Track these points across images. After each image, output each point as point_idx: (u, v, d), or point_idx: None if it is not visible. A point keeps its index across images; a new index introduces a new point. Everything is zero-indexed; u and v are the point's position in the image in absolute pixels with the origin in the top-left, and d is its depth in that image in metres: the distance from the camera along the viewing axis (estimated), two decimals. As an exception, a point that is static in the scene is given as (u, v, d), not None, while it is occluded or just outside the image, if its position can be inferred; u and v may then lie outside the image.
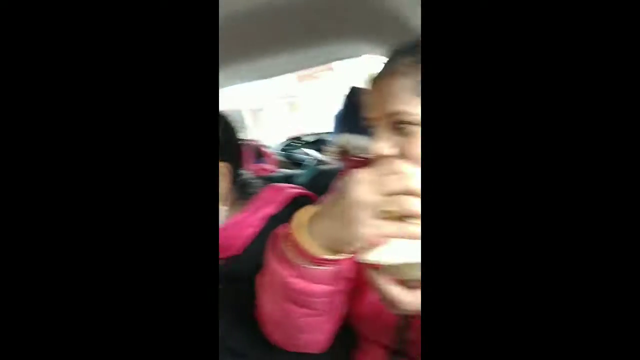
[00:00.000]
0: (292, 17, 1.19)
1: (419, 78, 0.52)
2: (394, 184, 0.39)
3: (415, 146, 0.51)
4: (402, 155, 0.52)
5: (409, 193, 0.39)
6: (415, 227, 0.39)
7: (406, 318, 0.55)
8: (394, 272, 0.40)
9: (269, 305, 0.52)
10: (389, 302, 0.41)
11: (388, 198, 0.39)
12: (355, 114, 1.12)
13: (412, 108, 0.51)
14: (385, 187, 0.40)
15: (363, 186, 0.40)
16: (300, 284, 0.46)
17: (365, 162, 0.68)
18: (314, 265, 0.45)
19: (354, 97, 1.15)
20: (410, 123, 0.51)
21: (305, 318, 0.50)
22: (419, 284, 0.42)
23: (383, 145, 0.52)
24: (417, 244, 0.45)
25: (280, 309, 0.49)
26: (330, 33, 1.48)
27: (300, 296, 0.47)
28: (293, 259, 0.44)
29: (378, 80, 0.55)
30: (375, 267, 0.42)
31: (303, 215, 0.46)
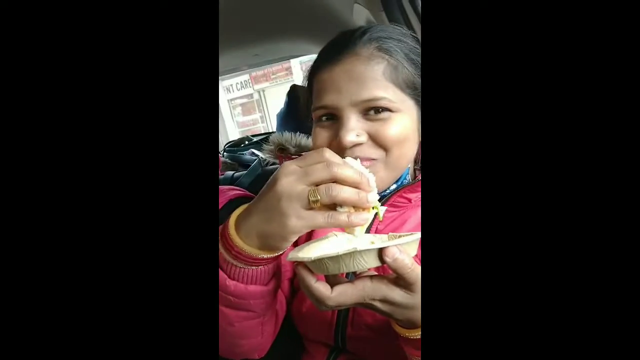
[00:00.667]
0: (236, 15, 1.16)
1: (389, 63, 0.50)
2: (320, 172, 0.38)
3: (388, 131, 0.50)
4: (373, 142, 0.51)
5: (335, 181, 0.38)
6: (344, 216, 0.39)
7: (343, 314, 0.55)
8: (317, 267, 0.39)
9: None
10: (314, 299, 0.40)
11: (315, 187, 0.38)
12: (297, 111, 1.12)
13: (389, 93, 0.50)
14: (311, 177, 0.38)
15: (289, 177, 0.39)
16: (236, 286, 0.44)
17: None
18: (249, 265, 0.43)
19: (296, 95, 1.15)
20: (388, 109, 0.50)
21: (243, 322, 0.48)
22: (341, 279, 0.42)
23: (352, 133, 0.50)
24: (338, 238, 0.44)
25: (220, 317, 0.47)
26: (275, 31, 1.48)
27: (236, 299, 0.45)
28: (230, 260, 0.42)
29: (335, 66, 0.51)
30: (301, 264, 0.40)
31: (236, 214, 0.44)
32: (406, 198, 0.55)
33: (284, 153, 0.80)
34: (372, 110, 0.50)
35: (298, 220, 0.38)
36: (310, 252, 0.42)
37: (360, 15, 1.11)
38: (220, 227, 0.44)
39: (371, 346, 0.53)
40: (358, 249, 0.37)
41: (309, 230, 0.40)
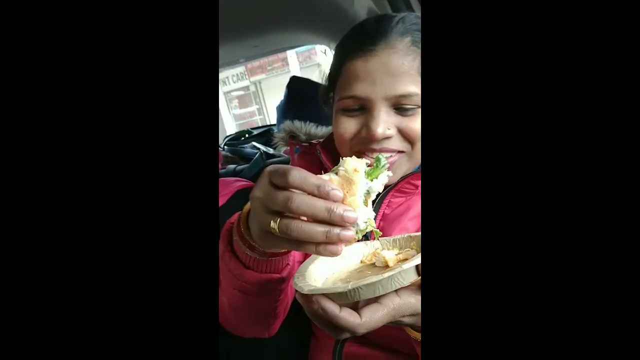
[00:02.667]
0: (235, 6, 1.15)
1: (419, 57, 0.50)
2: (277, 204, 0.34)
3: (417, 126, 0.51)
4: (401, 135, 0.52)
5: (289, 187, 0.34)
6: (312, 247, 0.34)
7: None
8: (343, 296, 0.34)
9: (222, 295, 0.50)
10: (337, 331, 0.36)
11: (274, 218, 0.35)
12: (297, 103, 1.12)
13: (419, 89, 0.50)
14: (271, 207, 0.35)
15: (256, 201, 0.37)
16: (251, 274, 0.45)
17: (311, 148, 0.68)
18: (263, 256, 0.43)
19: (295, 87, 1.15)
20: (417, 105, 0.50)
21: (256, 306, 0.49)
22: (359, 304, 0.38)
23: (383, 126, 0.50)
24: (336, 263, 0.43)
25: (234, 299, 0.48)
26: (274, 22, 1.47)
27: (251, 286, 0.46)
28: (246, 251, 0.43)
29: (370, 57, 0.51)
30: (307, 297, 0.36)
31: (247, 209, 0.44)
32: (413, 184, 0.56)
33: (294, 140, 0.83)
34: (403, 106, 0.51)
35: (266, 242, 0.38)
36: (322, 279, 0.41)
37: (361, 5, 1.11)
38: (237, 215, 0.45)
39: (379, 329, 0.55)
40: (403, 268, 0.34)
41: (279, 250, 0.40)
